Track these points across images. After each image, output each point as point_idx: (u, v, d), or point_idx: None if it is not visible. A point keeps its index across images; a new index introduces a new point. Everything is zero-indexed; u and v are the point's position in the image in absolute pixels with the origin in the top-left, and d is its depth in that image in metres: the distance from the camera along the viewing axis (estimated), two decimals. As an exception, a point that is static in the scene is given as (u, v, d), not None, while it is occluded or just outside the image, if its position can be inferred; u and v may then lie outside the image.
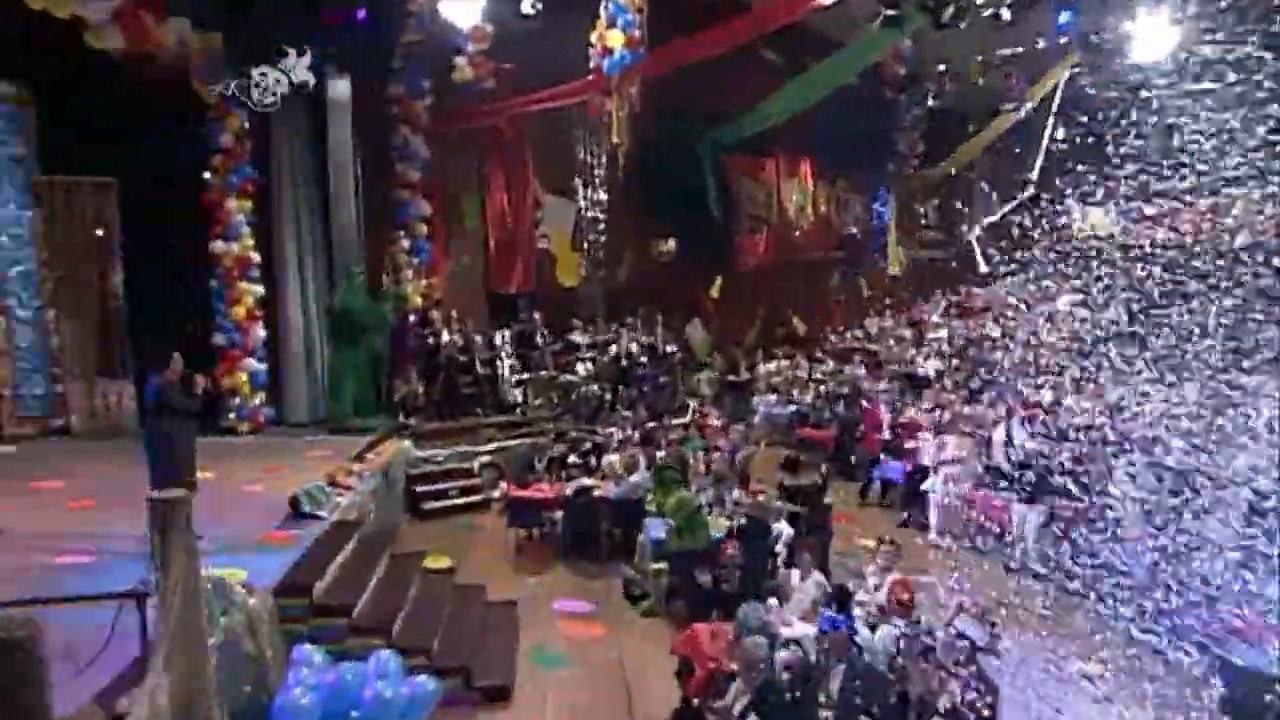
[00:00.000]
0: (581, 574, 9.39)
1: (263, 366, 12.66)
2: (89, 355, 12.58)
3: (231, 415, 12.40)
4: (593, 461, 10.53)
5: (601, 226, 18.34)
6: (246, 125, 12.43)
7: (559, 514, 9.77)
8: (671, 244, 19.33)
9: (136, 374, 12.64)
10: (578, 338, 15.55)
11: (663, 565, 8.18)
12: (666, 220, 18.91)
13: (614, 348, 14.99)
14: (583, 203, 18.04)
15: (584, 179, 18.12)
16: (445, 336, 14.02)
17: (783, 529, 8.19)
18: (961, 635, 5.97)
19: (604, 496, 9.67)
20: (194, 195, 12.29)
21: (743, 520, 8.06)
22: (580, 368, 14.99)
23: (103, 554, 7.14)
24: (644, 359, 15.27)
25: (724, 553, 7.48)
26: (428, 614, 7.11)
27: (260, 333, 12.61)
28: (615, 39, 12.29)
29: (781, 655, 5.68)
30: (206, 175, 12.27)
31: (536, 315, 15.02)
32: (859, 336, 18.24)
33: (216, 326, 12.34)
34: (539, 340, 14.53)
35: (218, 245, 12.29)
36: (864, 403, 12.44)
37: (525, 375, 14.14)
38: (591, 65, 13.50)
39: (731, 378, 16.48)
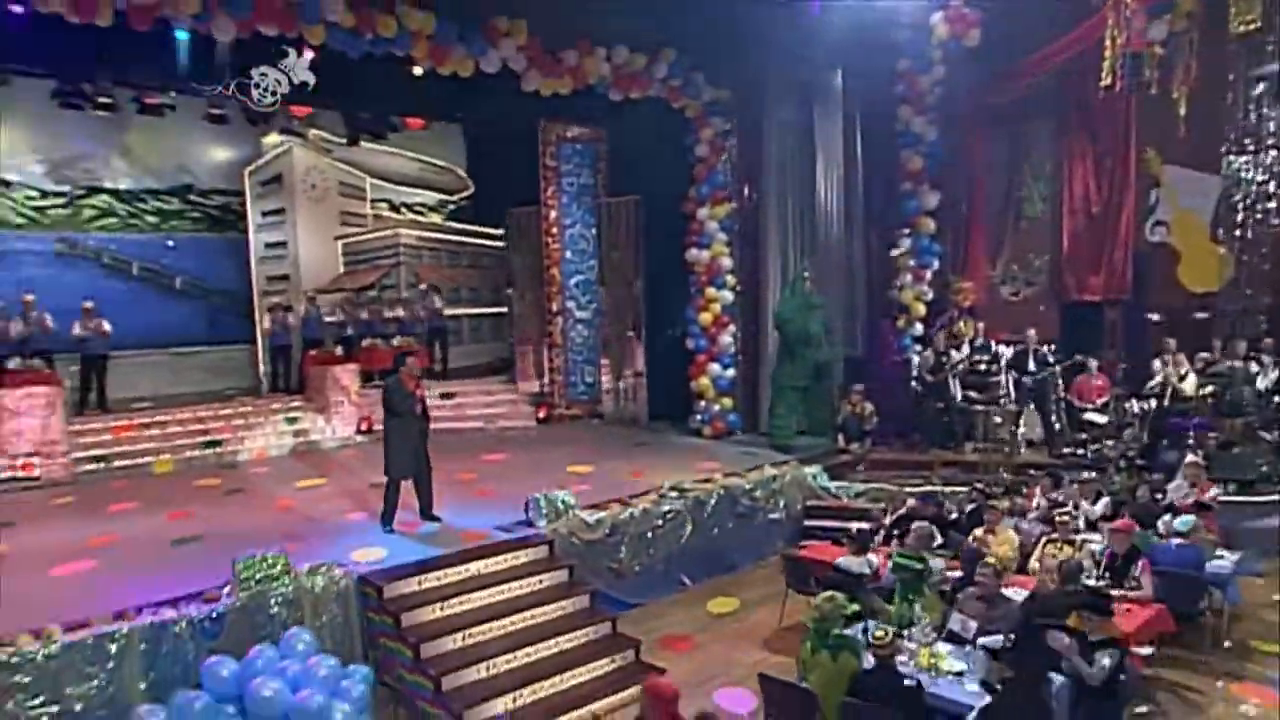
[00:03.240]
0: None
1: (729, 372, 12.99)
2: (619, 353, 14.75)
3: (698, 418, 13.12)
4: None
5: (1272, 204, 13.21)
6: (728, 136, 12.95)
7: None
8: None
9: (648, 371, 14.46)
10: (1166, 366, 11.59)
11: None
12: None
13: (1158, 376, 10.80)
14: (1244, 171, 13.25)
15: (1238, 141, 13.29)
16: (960, 352, 12.19)
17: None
18: None
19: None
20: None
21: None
22: (1136, 404, 11.28)
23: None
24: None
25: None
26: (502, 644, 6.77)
27: (727, 339, 12.96)
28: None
29: None
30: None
31: (1031, 331, 11.79)
32: None
33: (688, 331, 13.17)
34: (1032, 362, 11.42)
35: (691, 253, 13.06)
36: None
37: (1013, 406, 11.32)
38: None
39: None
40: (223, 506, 9.54)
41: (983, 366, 11.57)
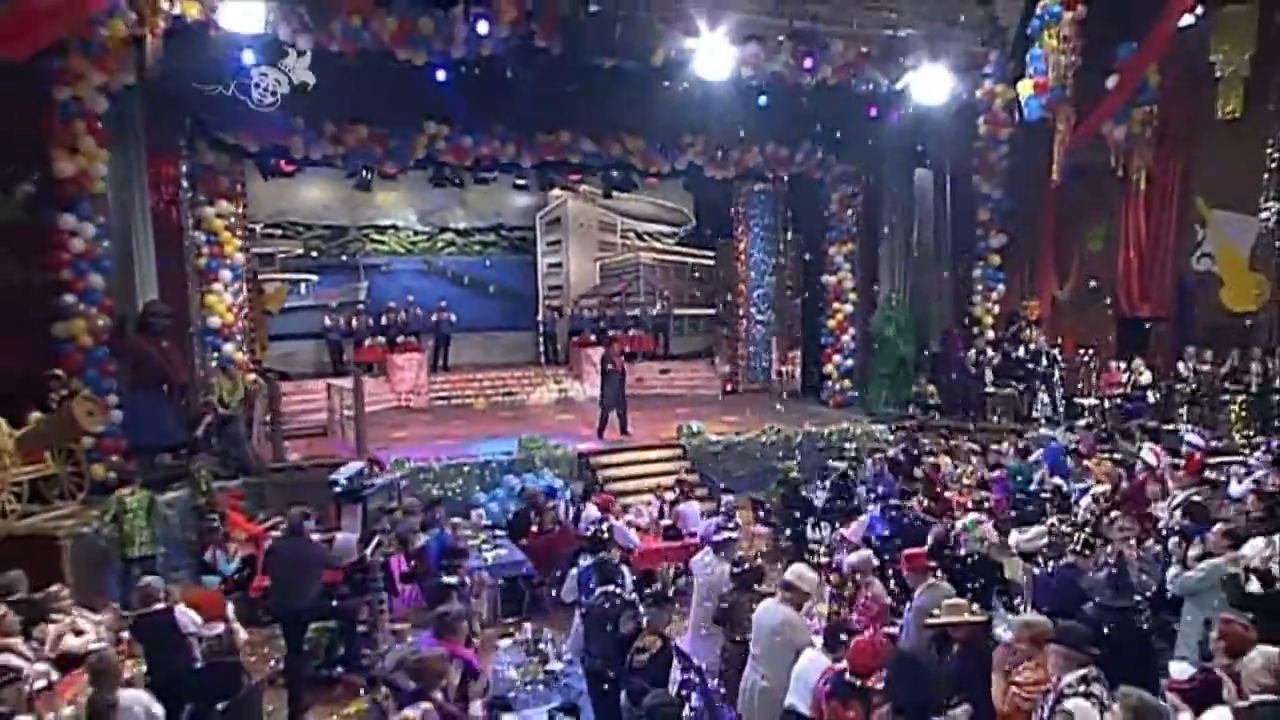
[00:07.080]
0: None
1: (848, 362, 19.49)
2: (783, 346, 21.67)
3: (825, 394, 19.80)
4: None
5: (1299, 242, 17.47)
6: (854, 196, 19.45)
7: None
8: None
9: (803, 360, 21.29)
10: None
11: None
12: None
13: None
14: (1271, 216, 17.67)
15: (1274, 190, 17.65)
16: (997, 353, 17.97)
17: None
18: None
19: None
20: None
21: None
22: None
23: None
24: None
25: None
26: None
27: (846, 337, 19.48)
28: (1024, 88, 14.61)
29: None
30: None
31: (1041, 337, 17.11)
32: None
33: (818, 332, 19.88)
34: (1044, 360, 16.87)
35: (825, 278, 19.72)
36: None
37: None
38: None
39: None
40: (512, 423, 17.74)
41: (1013, 362, 17.26)
